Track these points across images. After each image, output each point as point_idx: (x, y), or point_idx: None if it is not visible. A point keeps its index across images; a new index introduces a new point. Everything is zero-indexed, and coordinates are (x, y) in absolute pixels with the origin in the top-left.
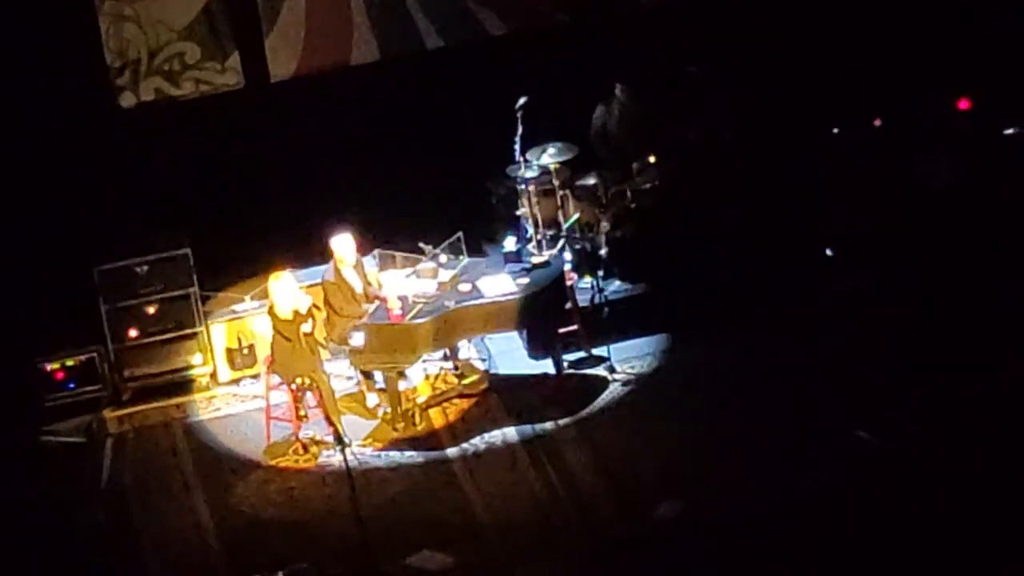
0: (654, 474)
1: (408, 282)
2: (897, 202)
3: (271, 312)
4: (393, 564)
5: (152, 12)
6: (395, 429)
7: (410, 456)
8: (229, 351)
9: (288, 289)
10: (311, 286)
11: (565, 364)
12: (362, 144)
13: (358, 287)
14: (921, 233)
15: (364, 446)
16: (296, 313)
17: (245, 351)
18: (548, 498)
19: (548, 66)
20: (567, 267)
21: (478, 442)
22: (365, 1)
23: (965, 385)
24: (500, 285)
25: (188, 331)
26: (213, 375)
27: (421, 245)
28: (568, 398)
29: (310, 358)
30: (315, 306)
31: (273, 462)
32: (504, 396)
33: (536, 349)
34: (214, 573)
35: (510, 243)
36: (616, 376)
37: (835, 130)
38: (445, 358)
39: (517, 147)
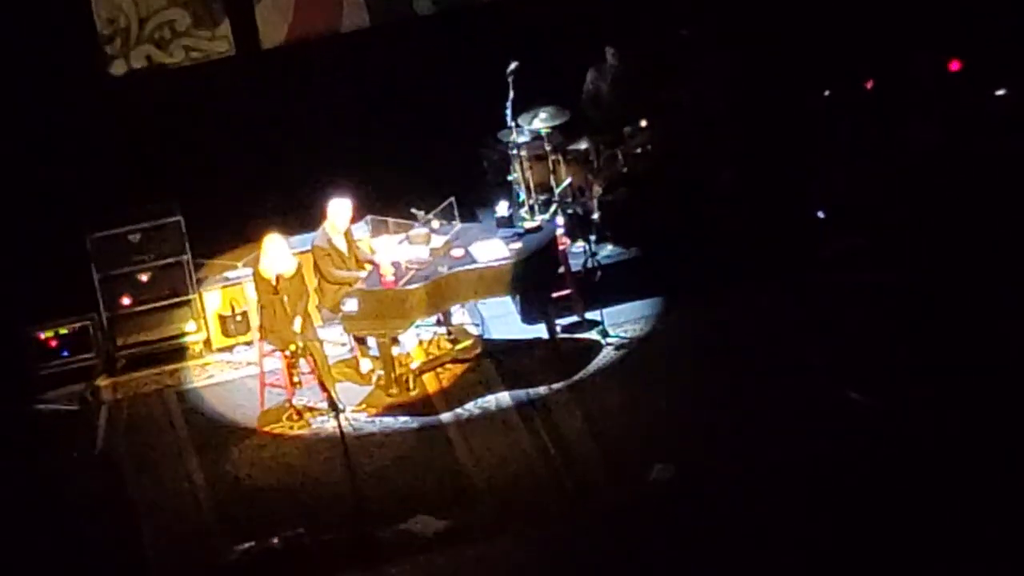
0: (647, 438)
1: (401, 248)
2: (889, 164)
3: (255, 275)
4: (387, 529)
5: None
6: (389, 395)
7: (404, 421)
8: (222, 318)
9: (279, 251)
10: (302, 253)
11: (558, 329)
12: (353, 111)
13: (346, 254)
14: (912, 195)
15: (358, 412)
16: (280, 278)
17: (238, 318)
18: (541, 462)
19: (539, 31)
20: (559, 232)
21: (471, 407)
22: None
23: (958, 347)
24: (493, 250)
25: (181, 298)
26: (206, 342)
27: (413, 211)
28: (561, 362)
29: (290, 324)
30: (302, 283)
31: (267, 429)
32: (497, 361)
33: (529, 314)
34: (208, 540)
35: (502, 208)
36: (609, 340)
37: (827, 92)
38: (438, 323)
39: (509, 112)
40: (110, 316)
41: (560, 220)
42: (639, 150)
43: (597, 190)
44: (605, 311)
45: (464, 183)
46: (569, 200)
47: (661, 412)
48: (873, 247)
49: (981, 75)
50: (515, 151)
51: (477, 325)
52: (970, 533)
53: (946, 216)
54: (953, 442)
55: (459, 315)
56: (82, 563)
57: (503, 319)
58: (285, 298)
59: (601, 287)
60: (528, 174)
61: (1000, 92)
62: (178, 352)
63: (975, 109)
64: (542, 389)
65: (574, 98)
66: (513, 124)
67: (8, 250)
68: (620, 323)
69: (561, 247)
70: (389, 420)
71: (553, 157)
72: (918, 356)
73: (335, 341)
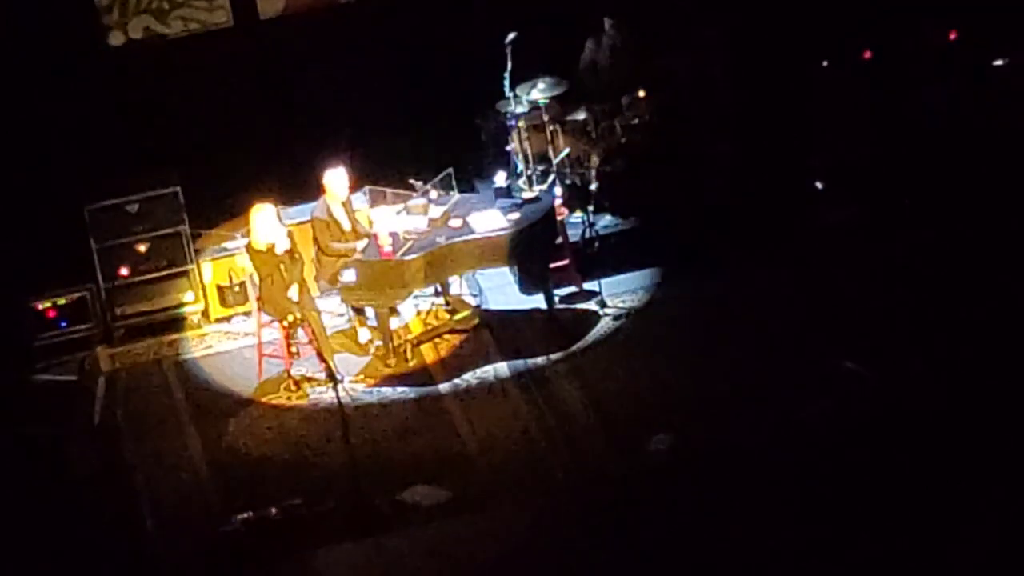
0: (645, 408)
1: (399, 218)
2: (886, 135)
3: (247, 246)
4: (385, 499)
5: None
6: (387, 365)
7: (402, 392)
8: (220, 288)
9: (267, 221)
10: (301, 223)
11: (556, 299)
12: (351, 81)
13: (346, 225)
14: (909, 165)
15: (356, 382)
16: (271, 248)
17: (236, 288)
18: (539, 433)
19: (537, 1)
20: (557, 202)
21: (469, 377)
22: None
23: (956, 317)
24: (491, 221)
25: (179, 269)
26: (204, 313)
27: (411, 181)
28: (559, 333)
29: (287, 295)
30: (295, 252)
31: (265, 399)
32: (495, 331)
33: (527, 284)
34: (206, 510)
35: (500, 179)
36: (607, 310)
37: (824, 63)
38: (436, 294)
39: (507, 82)
40: (108, 286)
41: (558, 190)
42: (637, 120)
43: (595, 160)
44: (603, 281)
45: (462, 154)
46: (567, 170)
47: (659, 382)
48: (870, 217)
49: (979, 45)
50: (513, 122)
51: (475, 295)
52: (967, 502)
53: (944, 186)
54: (951, 412)
55: (457, 285)
56: (80, 533)
57: (501, 289)
58: (282, 266)
59: (599, 257)
60: (526, 144)
61: (998, 62)
62: (176, 322)
63: (974, 79)
64: (540, 359)
65: (572, 68)
66: (511, 94)
67: (6, 221)
68: (618, 293)
69: (559, 217)
70: (387, 390)
71: (551, 128)
72: (916, 326)
73: (333, 311)
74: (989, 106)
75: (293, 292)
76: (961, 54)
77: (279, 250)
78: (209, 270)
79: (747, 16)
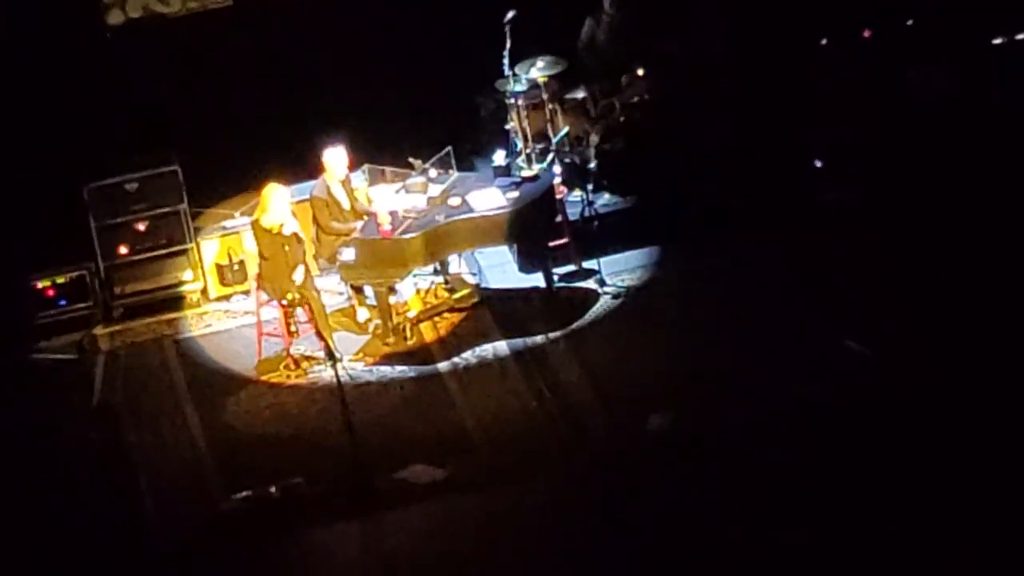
0: (644, 387)
1: (398, 197)
2: (885, 113)
3: (255, 224)
4: (384, 478)
5: None
6: (386, 344)
7: (401, 371)
8: (219, 267)
9: (281, 202)
10: (300, 202)
11: (555, 277)
12: (351, 60)
13: (345, 204)
14: (909, 144)
15: (355, 361)
16: (278, 228)
17: (235, 267)
18: (538, 411)
19: None
20: (557, 181)
21: (469, 356)
22: None
23: (955, 296)
24: (490, 199)
25: (178, 248)
26: (204, 291)
27: (411, 160)
28: (558, 311)
29: (290, 274)
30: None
31: (264, 378)
32: (495, 310)
33: (526, 263)
34: (206, 489)
35: (500, 157)
36: (606, 289)
37: (823, 41)
38: (436, 272)
39: (506, 61)
40: (107, 265)
41: (557, 169)
42: (636, 99)
43: (594, 139)
44: (602, 260)
45: (461, 132)
46: (566, 149)
47: (658, 360)
48: (869, 196)
49: (979, 23)
50: (512, 100)
51: (474, 274)
52: (966, 478)
53: (943, 165)
54: (950, 390)
55: (456, 264)
56: (79, 512)
57: (500, 268)
58: (287, 247)
59: (598, 236)
60: (525, 123)
61: (997, 40)
62: (175, 301)
63: (974, 57)
64: (539, 338)
65: (571, 47)
66: (510, 73)
67: (6, 199)
68: (617, 272)
69: (558, 196)
70: (386, 369)
71: (550, 106)
72: (915, 304)
73: (332, 290)
74: (987, 85)
75: (299, 274)
76: (959, 33)
77: (287, 231)
78: (209, 248)
79: None
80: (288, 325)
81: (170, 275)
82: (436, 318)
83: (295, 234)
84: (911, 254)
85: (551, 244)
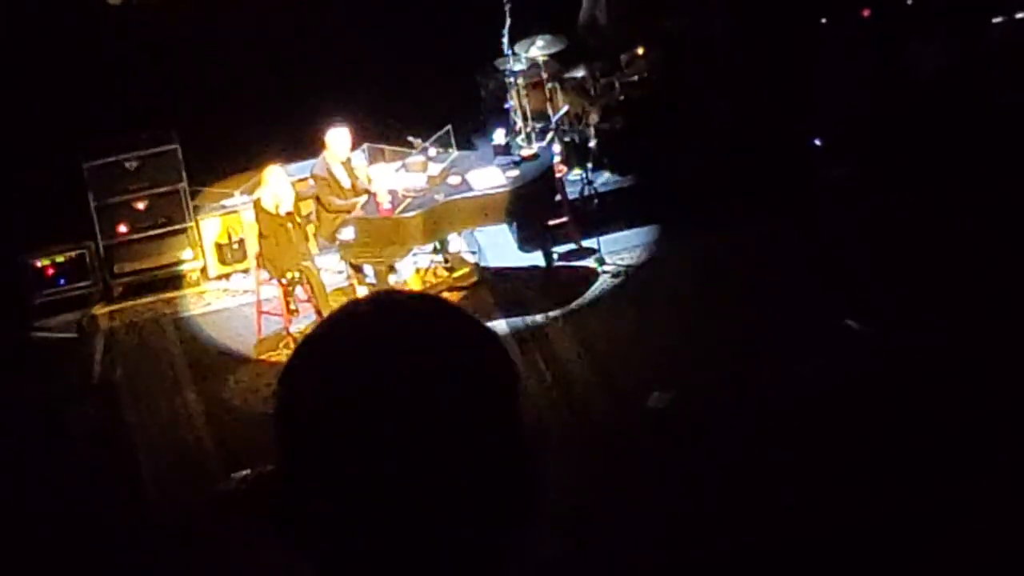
0: (644, 366)
1: (397, 176)
2: (885, 92)
3: (256, 204)
4: None
5: None
6: None
7: None
8: (219, 246)
9: (279, 183)
10: (300, 180)
11: (555, 256)
12: (350, 38)
13: (345, 183)
14: (909, 122)
15: None
16: (276, 208)
17: (235, 246)
18: (538, 390)
19: None
20: (556, 159)
21: None
22: None
23: (957, 275)
24: (489, 178)
25: (178, 226)
26: (203, 270)
27: (410, 139)
28: (558, 290)
29: (294, 252)
30: (297, 215)
31: (264, 356)
32: (494, 289)
33: (526, 242)
34: (205, 468)
35: (499, 136)
36: (606, 268)
37: (823, 20)
38: (435, 251)
39: (505, 39)
40: (107, 244)
41: (557, 148)
42: (636, 78)
43: (594, 118)
44: (602, 239)
45: (461, 111)
46: (566, 128)
47: (658, 339)
48: (869, 174)
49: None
50: (512, 79)
51: (474, 253)
52: (967, 459)
53: (944, 144)
54: (952, 370)
55: (456, 243)
56: (78, 490)
57: (500, 247)
58: (290, 225)
59: (598, 215)
60: (525, 102)
61: (997, 19)
62: (175, 280)
63: (973, 36)
64: (538, 317)
65: (571, 26)
66: (510, 52)
67: (4, 178)
68: (617, 251)
69: (558, 175)
70: None
71: (550, 85)
72: (916, 284)
73: (332, 269)
74: (987, 63)
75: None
76: (960, 11)
77: (283, 211)
78: (208, 227)
79: None
80: (288, 303)
81: (170, 254)
82: None
83: (290, 213)
84: (912, 232)
85: (551, 223)
